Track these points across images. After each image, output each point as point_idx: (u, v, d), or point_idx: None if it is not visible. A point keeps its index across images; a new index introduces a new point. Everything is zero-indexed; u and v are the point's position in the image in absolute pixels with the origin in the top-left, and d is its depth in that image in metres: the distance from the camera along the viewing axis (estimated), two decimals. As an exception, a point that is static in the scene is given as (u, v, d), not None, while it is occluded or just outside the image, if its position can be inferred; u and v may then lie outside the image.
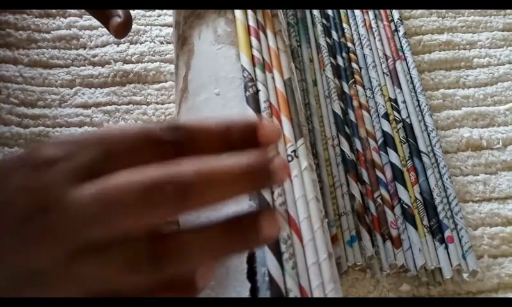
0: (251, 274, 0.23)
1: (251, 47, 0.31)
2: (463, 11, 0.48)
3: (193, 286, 0.17)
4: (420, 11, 0.48)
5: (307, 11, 0.45)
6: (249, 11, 0.33)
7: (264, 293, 0.22)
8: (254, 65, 0.30)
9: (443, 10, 0.48)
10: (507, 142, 0.40)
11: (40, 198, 0.16)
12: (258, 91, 0.29)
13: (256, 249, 0.23)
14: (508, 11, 0.48)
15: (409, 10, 0.48)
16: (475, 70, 0.45)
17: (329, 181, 0.36)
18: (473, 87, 0.44)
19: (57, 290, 0.16)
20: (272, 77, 0.30)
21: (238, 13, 0.32)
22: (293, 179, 0.27)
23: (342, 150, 0.38)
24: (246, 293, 0.22)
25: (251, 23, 0.32)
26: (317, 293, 0.23)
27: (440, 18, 0.48)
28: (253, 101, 0.28)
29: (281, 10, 0.37)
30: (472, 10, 0.48)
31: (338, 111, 0.39)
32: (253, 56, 0.30)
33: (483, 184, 0.38)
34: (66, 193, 0.16)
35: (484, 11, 0.48)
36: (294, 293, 0.22)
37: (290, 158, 0.27)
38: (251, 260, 0.23)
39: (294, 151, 0.27)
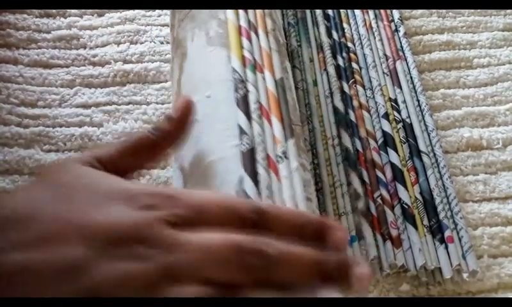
0: None
1: (242, 48, 0.31)
2: (463, 11, 0.48)
3: None
4: (420, 11, 0.48)
5: (307, 11, 0.45)
6: (241, 12, 0.32)
7: None
8: (245, 66, 0.30)
9: (444, 10, 0.48)
10: (507, 142, 0.40)
11: (141, 232, 0.18)
12: (248, 92, 0.29)
13: None
14: (508, 11, 0.48)
15: (409, 10, 0.48)
16: (475, 70, 0.45)
17: (329, 181, 0.36)
18: (474, 87, 0.44)
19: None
20: (263, 78, 0.30)
21: (230, 14, 0.32)
22: (282, 180, 0.27)
23: (345, 147, 0.38)
24: None
25: (243, 23, 0.32)
26: None
27: (440, 18, 0.48)
28: (243, 102, 0.28)
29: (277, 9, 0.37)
30: (472, 10, 0.48)
31: (340, 107, 0.39)
32: (244, 57, 0.30)
33: (483, 184, 0.38)
34: (165, 232, 0.18)
35: (484, 11, 0.48)
36: None
37: (279, 159, 0.27)
38: None
39: (284, 152, 0.27)
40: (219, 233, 0.19)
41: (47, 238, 0.17)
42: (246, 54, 0.30)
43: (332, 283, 0.20)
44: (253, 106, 0.28)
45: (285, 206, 0.25)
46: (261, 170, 0.26)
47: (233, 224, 0.19)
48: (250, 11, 0.33)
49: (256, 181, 0.26)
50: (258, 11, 0.33)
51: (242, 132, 0.27)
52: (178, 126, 0.23)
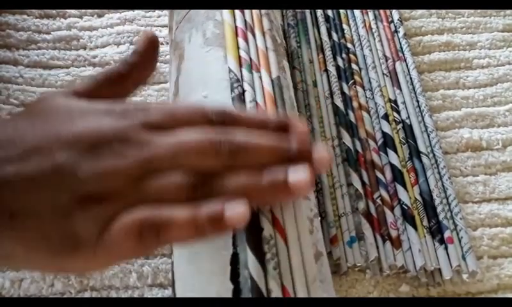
0: (234, 276, 0.23)
1: (238, 48, 0.31)
2: (462, 11, 0.48)
3: (222, 221, 0.20)
4: (420, 11, 0.48)
5: (307, 12, 0.45)
6: (238, 12, 0.33)
7: (247, 294, 0.22)
8: (241, 66, 0.30)
9: (443, 11, 0.48)
10: (506, 143, 0.40)
11: (121, 133, 0.20)
12: (244, 91, 0.29)
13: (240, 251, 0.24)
14: (508, 11, 0.48)
15: (409, 11, 0.48)
16: (474, 71, 0.45)
17: (329, 182, 0.36)
18: (473, 88, 0.44)
19: (124, 200, 0.19)
20: (260, 77, 0.30)
21: (226, 14, 0.32)
22: None
23: (345, 148, 0.38)
24: (228, 295, 0.22)
25: (239, 24, 0.32)
26: (301, 294, 0.22)
27: (440, 19, 0.48)
28: (239, 101, 0.28)
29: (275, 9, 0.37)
30: (472, 11, 0.48)
31: (341, 106, 0.39)
32: (239, 57, 0.30)
33: (483, 185, 0.38)
34: (142, 134, 0.20)
35: (484, 12, 0.48)
36: (275, 293, 0.22)
37: None
38: (234, 262, 0.23)
39: None
40: (191, 131, 0.21)
41: (32, 150, 0.19)
42: (242, 54, 0.30)
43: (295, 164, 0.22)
44: (249, 105, 0.28)
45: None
46: None
47: (203, 123, 0.22)
48: (247, 12, 0.33)
49: None
50: (255, 12, 0.33)
51: None
52: (144, 58, 0.25)
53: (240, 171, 0.21)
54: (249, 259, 0.23)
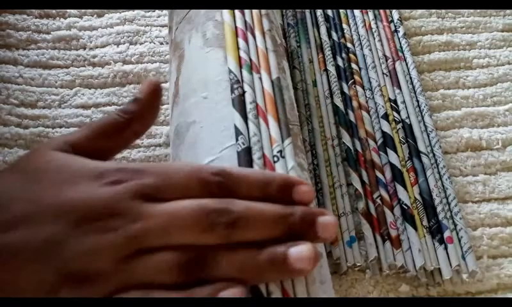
0: None
1: (238, 48, 0.31)
2: (462, 11, 0.48)
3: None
4: (419, 11, 0.48)
5: (307, 12, 0.45)
6: (237, 13, 0.32)
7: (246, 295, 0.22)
8: (241, 67, 0.30)
9: (443, 11, 0.48)
10: (506, 143, 0.40)
11: (111, 206, 0.19)
12: (244, 92, 0.29)
13: None
14: (508, 11, 0.48)
15: (408, 11, 0.48)
16: (474, 71, 0.45)
17: (329, 182, 0.36)
18: (473, 88, 0.44)
19: (113, 281, 0.18)
20: (260, 78, 0.30)
21: (226, 15, 0.32)
22: None
23: (344, 148, 0.38)
24: None
25: (239, 24, 0.32)
26: (301, 295, 0.22)
27: (440, 19, 0.48)
28: (239, 102, 0.28)
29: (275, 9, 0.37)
30: (472, 11, 0.48)
31: (341, 106, 0.39)
32: (240, 58, 0.30)
33: (483, 184, 0.38)
34: (133, 205, 0.19)
35: (484, 12, 0.48)
36: (276, 295, 0.22)
37: (276, 158, 0.27)
38: None
39: (280, 151, 0.27)
40: (185, 200, 0.19)
41: (20, 219, 0.18)
42: (242, 55, 0.30)
43: (300, 236, 0.20)
44: (249, 106, 0.28)
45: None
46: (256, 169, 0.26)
47: (200, 189, 0.20)
48: (247, 12, 0.33)
49: None
50: (255, 12, 0.33)
51: (238, 132, 0.27)
52: (145, 107, 0.23)
53: (238, 248, 0.19)
54: None
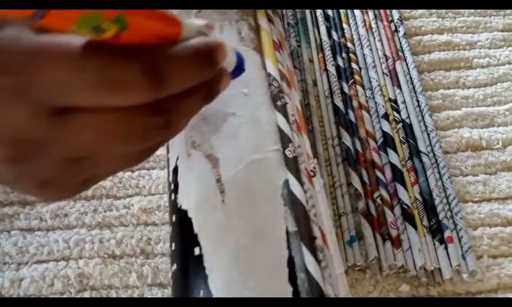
0: (292, 278, 0.23)
1: (277, 60, 0.31)
2: (462, 11, 0.48)
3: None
4: (420, 11, 0.48)
5: (307, 12, 0.45)
6: (271, 25, 0.33)
7: (306, 296, 0.23)
8: (282, 78, 0.30)
9: (443, 10, 0.48)
10: (506, 143, 0.40)
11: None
12: (286, 103, 0.29)
13: (296, 254, 0.24)
14: (508, 11, 0.48)
15: (409, 10, 0.48)
16: (474, 71, 0.45)
17: (329, 182, 0.36)
18: (473, 88, 0.44)
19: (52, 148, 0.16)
20: (293, 94, 0.30)
21: (263, 21, 0.32)
22: (318, 194, 0.28)
23: (345, 147, 0.38)
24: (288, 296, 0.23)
25: (273, 37, 0.32)
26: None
27: (440, 19, 0.48)
28: (284, 112, 0.28)
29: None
30: (472, 10, 0.48)
31: (341, 106, 0.39)
32: (279, 70, 0.31)
33: (483, 184, 0.38)
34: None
35: (484, 12, 0.48)
36: None
37: (312, 173, 0.28)
38: (290, 265, 0.24)
39: (315, 168, 0.28)
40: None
41: None
42: (280, 67, 0.31)
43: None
44: (291, 118, 0.28)
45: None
46: (304, 179, 0.27)
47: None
48: (276, 29, 0.33)
49: (303, 188, 0.26)
50: (281, 33, 0.34)
51: (286, 138, 0.27)
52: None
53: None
54: (309, 263, 0.23)
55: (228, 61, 0.20)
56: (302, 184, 0.26)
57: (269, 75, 0.30)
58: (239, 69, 0.21)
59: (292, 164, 0.26)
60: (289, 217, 0.25)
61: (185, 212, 0.27)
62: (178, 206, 0.28)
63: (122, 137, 0.17)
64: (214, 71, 0.19)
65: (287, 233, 0.24)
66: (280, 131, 0.28)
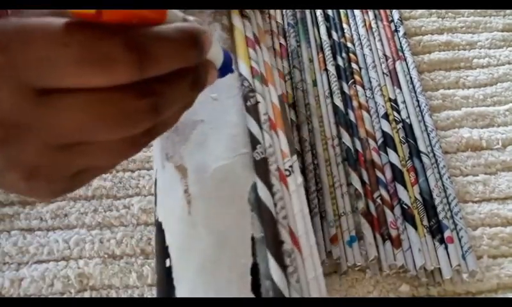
0: (255, 287, 0.23)
1: (249, 58, 0.30)
2: (462, 11, 0.48)
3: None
4: (420, 11, 0.48)
5: (307, 12, 0.45)
6: (246, 22, 0.32)
7: None
8: (253, 76, 0.30)
9: (443, 11, 0.48)
10: (506, 143, 0.40)
11: None
12: (257, 102, 0.28)
13: (261, 260, 0.23)
14: (508, 11, 0.48)
15: (409, 10, 0.48)
16: (474, 71, 0.45)
17: (329, 182, 0.36)
18: (473, 88, 0.44)
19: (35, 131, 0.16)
20: (269, 91, 0.30)
21: (236, 20, 0.32)
22: (291, 193, 0.27)
23: (345, 147, 0.38)
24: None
25: (249, 34, 0.32)
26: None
27: (440, 19, 0.48)
28: (254, 112, 0.28)
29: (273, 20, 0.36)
30: (472, 11, 0.48)
31: (341, 106, 0.39)
32: (252, 67, 0.30)
33: (483, 184, 0.38)
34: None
35: (484, 12, 0.48)
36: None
37: (287, 172, 0.27)
38: (254, 272, 0.23)
39: (291, 166, 0.27)
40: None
41: None
42: (254, 65, 0.30)
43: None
44: (263, 117, 0.28)
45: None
46: (274, 181, 0.26)
47: None
48: (254, 24, 0.33)
49: (271, 190, 0.26)
50: (260, 27, 0.33)
51: (255, 140, 0.27)
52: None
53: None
54: (273, 271, 0.23)
55: (215, 55, 0.20)
56: (270, 186, 0.26)
57: (240, 74, 0.29)
58: (227, 68, 0.21)
59: (261, 166, 0.26)
60: (256, 222, 0.24)
61: (159, 224, 0.27)
62: (156, 218, 0.28)
63: (109, 119, 0.16)
64: (199, 56, 0.18)
65: (253, 239, 0.24)
66: (250, 133, 0.27)
